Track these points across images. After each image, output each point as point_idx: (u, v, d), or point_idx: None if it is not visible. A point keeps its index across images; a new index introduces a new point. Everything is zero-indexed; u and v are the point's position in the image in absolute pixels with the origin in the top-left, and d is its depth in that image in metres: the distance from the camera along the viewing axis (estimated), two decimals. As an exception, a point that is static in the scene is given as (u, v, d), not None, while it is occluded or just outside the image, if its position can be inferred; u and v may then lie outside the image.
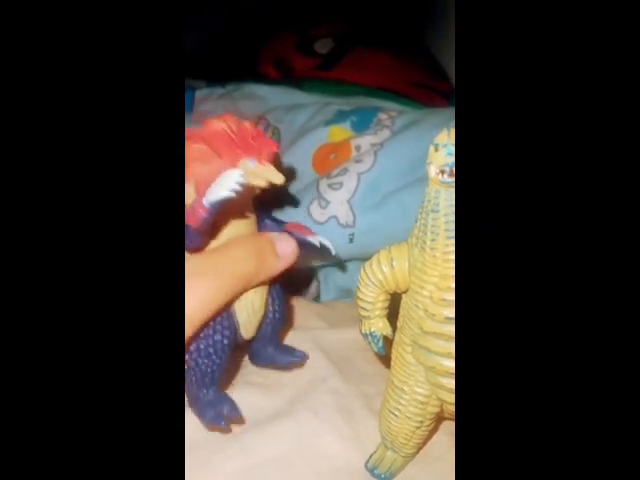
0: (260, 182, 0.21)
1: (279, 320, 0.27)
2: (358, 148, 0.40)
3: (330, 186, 0.36)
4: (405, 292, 0.22)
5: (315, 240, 0.25)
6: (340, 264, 0.28)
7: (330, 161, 0.40)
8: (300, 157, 0.41)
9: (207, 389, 0.24)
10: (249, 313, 0.25)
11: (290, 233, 0.25)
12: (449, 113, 0.41)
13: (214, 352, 0.23)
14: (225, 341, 0.23)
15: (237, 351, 0.27)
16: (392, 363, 0.23)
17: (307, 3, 0.63)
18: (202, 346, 0.23)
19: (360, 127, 0.42)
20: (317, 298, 0.39)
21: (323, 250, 0.26)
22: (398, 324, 0.23)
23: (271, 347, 0.28)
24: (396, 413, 0.22)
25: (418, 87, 0.57)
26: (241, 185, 0.18)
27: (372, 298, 0.22)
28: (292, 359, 0.28)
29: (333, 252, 0.26)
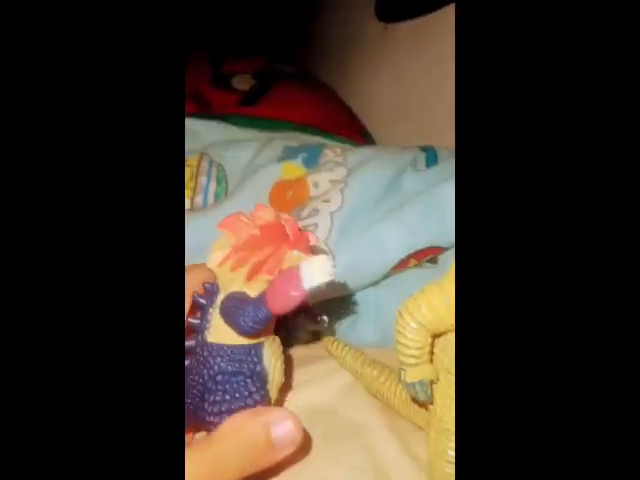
0: None
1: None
2: (316, 185, 0.39)
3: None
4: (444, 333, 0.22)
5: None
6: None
7: (288, 199, 0.39)
8: (256, 195, 0.39)
9: None
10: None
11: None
12: (394, 150, 0.42)
13: None
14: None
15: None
16: (435, 407, 0.22)
17: (220, 36, 0.61)
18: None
19: (310, 163, 0.42)
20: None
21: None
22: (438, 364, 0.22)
23: None
24: (452, 460, 0.21)
25: (341, 126, 0.58)
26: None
27: (421, 343, 0.21)
28: None
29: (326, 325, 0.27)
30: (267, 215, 0.22)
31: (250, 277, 0.21)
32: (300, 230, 0.22)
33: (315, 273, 0.19)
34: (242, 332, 0.20)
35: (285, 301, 0.19)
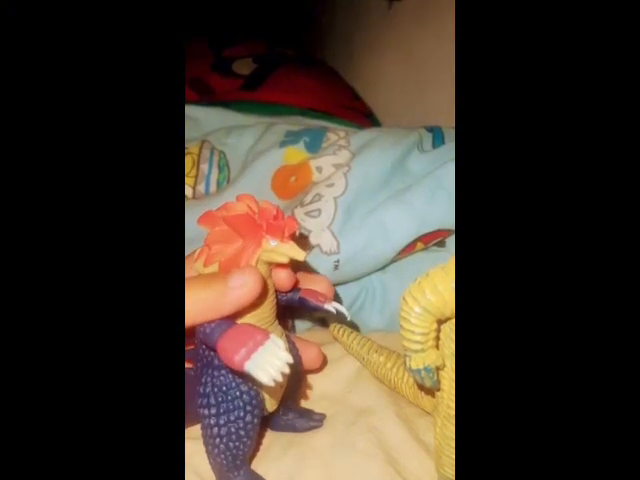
0: (282, 259, 0.22)
1: (296, 384, 0.26)
2: (319, 169, 0.38)
3: (308, 214, 0.34)
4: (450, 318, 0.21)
5: (330, 307, 0.25)
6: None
7: (291, 184, 0.38)
8: (258, 181, 0.38)
9: (238, 470, 0.23)
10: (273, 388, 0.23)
11: (305, 300, 0.25)
12: (399, 132, 0.41)
13: (245, 434, 0.22)
14: (255, 420, 0.22)
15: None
16: (441, 393, 0.22)
17: (220, 21, 0.60)
18: (233, 429, 0.22)
19: (313, 147, 0.41)
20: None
21: (339, 315, 0.25)
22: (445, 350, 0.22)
23: (291, 413, 0.26)
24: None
25: (345, 108, 0.57)
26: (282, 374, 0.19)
27: (426, 328, 0.20)
28: (312, 424, 0.27)
29: (348, 317, 0.26)
30: (240, 206, 0.21)
31: (222, 272, 0.21)
32: (277, 218, 0.21)
33: (261, 367, 0.18)
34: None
35: (229, 359, 0.19)
